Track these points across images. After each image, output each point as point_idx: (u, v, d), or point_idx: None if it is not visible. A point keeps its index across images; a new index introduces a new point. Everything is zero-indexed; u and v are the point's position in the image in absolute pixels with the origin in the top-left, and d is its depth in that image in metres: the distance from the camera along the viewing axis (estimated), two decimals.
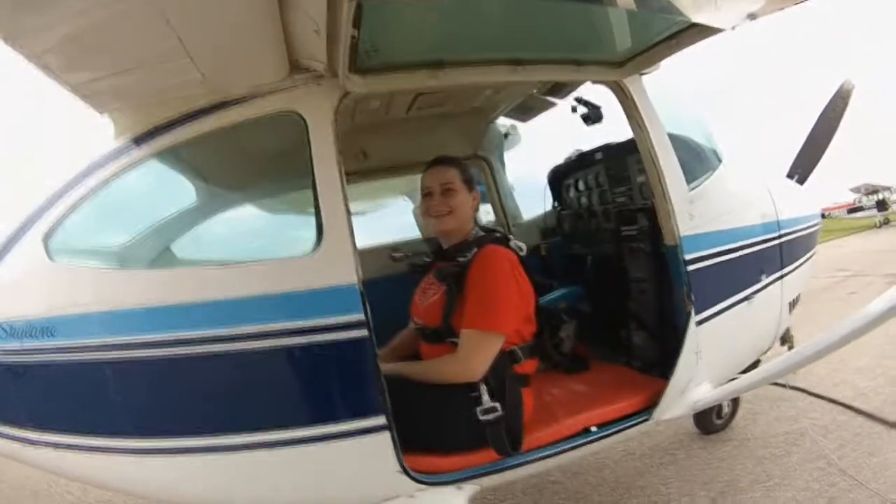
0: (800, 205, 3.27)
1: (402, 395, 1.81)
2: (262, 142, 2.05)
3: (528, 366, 1.96)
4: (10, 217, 2.05)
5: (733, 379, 2.54)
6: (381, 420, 1.74)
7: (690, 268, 2.22)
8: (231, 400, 1.80)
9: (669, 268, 2.29)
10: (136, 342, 1.81)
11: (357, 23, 1.42)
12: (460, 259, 1.91)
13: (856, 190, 24.83)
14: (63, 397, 1.94)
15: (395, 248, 3.23)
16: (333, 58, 1.62)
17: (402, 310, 2.23)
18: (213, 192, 2.25)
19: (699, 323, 2.26)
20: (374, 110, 2.74)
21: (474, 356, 1.82)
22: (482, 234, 2.05)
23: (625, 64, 2.18)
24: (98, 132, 2.01)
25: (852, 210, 24.78)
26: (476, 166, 3.57)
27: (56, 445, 1.95)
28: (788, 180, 3.53)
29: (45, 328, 1.89)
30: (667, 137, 2.24)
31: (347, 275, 1.71)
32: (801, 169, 3.72)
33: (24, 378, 1.95)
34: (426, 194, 2.06)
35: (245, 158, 2.21)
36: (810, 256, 3.34)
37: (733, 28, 1.71)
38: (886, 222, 22.31)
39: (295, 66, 1.78)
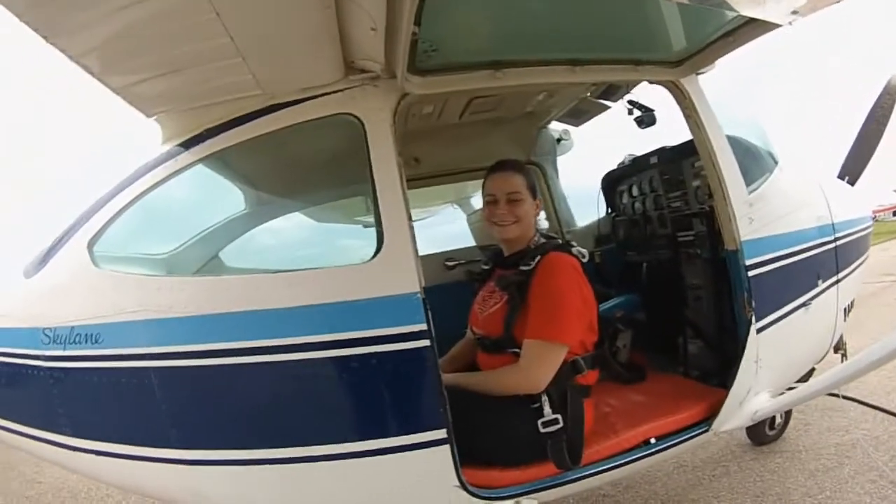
0: (852, 207, 3.15)
1: (461, 407, 1.75)
2: (317, 145, 2.01)
3: (590, 377, 1.88)
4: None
5: (790, 388, 2.45)
6: (441, 433, 1.68)
7: (751, 273, 2.13)
8: (284, 412, 1.75)
9: (730, 273, 2.20)
10: (184, 351, 1.79)
11: (418, 19, 1.37)
12: (523, 267, 1.85)
13: None
14: (107, 404, 1.92)
15: (448, 256, 3.18)
16: (392, 57, 1.58)
17: (456, 319, 2.17)
18: (264, 197, 2.22)
19: (759, 330, 2.17)
20: (426, 115, 2.70)
21: (538, 367, 1.76)
22: (543, 240, 1.99)
23: (681, 63, 2.11)
24: (146, 135, 2.00)
25: None
26: None
27: (97, 452, 1.94)
28: (840, 181, 3.40)
29: (90, 335, 1.87)
30: (725, 139, 2.16)
31: (409, 283, 1.66)
32: (852, 169, 3.59)
33: (66, 384, 1.93)
34: (490, 201, 1.98)
35: (299, 163, 2.17)
36: (864, 260, 3.22)
37: (790, 24, 1.62)
38: None
39: (350, 67, 1.73)
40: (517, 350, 1.81)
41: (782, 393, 2.47)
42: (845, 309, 2.92)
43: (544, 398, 1.76)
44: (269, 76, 1.70)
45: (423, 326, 1.65)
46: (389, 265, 1.67)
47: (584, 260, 1.91)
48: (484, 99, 2.61)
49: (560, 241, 1.97)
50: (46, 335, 1.92)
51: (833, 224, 2.74)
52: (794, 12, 1.58)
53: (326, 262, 1.83)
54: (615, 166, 3.42)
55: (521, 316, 1.81)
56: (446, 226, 3.72)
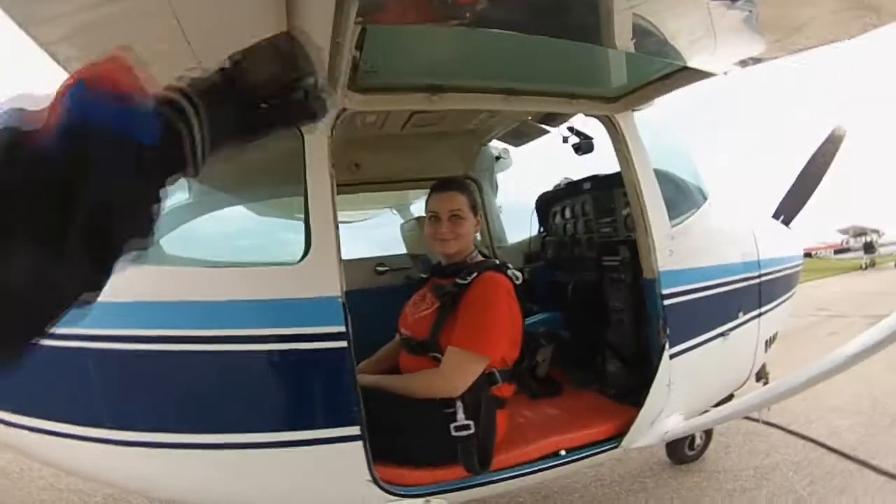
0: (783, 245, 3.34)
1: (379, 407, 1.85)
2: (258, 150, 2.09)
3: (505, 389, 2.01)
4: None
5: (705, 412, 2.60)
6: (355, 430, 1.79)
7: (667, 302, 2.28)
8: (206, 399, 1.83)
9: (646, 300, 2.35)
10: (119, 335, 1.84)
11: (360, 44, 1.49)
12: (459, 280, 1.96)
13: (844, 231, 25.15)
14: (43, 383, 1.96)
15: (380, 261, 3.28)
16: (333, 76, 1.68)
17: (383, 323, 2.27)
18: (206, 191, 2.30)
19: (672, 356, 2.32)
20: (369, 124, 2.80)
21: (458, 373, 1.88)
22: (480, 258, 2.11)
23: (618, 100, 2.26)
24: None
25: (839, 251, 25.07)
26: None
27: (32, 429, 1.96)
28: (773, 220, 3.61)
29: None
30: (653, 174, 2.31)
31: (331, 286, 1.76)
32: (788, 210, 3.80)
33: None
34: (433, 218, 2.09)
35: (242, 162, 2.24)
36: (790, 296, 3.41)
37: (725, 73, 1.78)
38: (872, 265, 22.59)
39: None
40: (438, 355, 1.92)
41: (696, 415, 2.63)
42: (767, 341, 3.09)
43: (458, 404, 1.88)
44: None
45: (342, 328, 1.75)
46: (315, 269, 1.78)
47: (518, 282, 2.03)
48: (426, 114, 2.73)
49: (497, 262, 2.09)
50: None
51: (759, 261, 2.91)
52: (740, 63, 1.75)
53: (259, 259, 1.92)
54: (551, 188, 3.56)
55: (448, 324, 1.93)
56: (382, 230, 3.81)
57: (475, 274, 1.96)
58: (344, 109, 1.84)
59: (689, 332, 2.41)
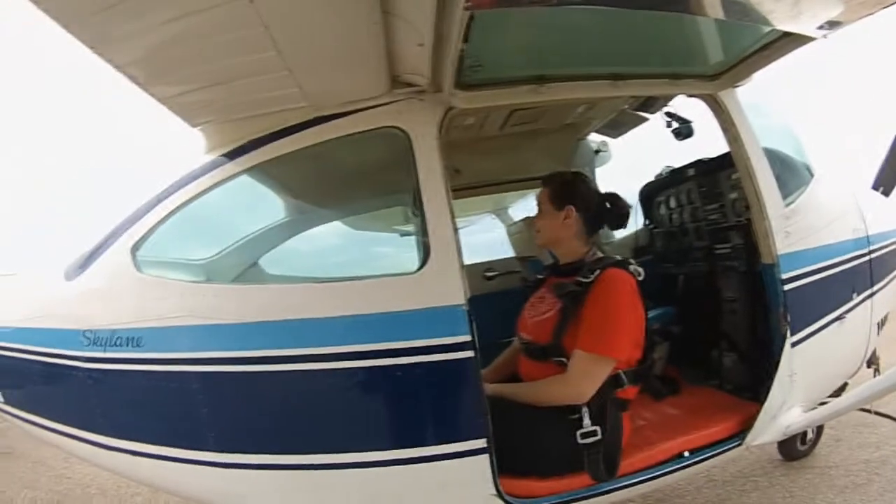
0: (887, 218, 3.11)
1: (502, 417, 1.77)
2: (362, 158, 2.06)
3: (630, 391, 1.89)
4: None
5: (823, 403, 2.43)
6: (481, 443, 1.71)
7: (787, 287, 2.13)
8: (325, 419, 1.79)
9: (766, 287, 2.19)
10: (224, 357, 1.82)
11: (467, 36, 1.40)
12: (581, 279, 1.86)
13: None
14: (146, 406, 1.96)
15: (488, 266, 3.21)
16: (438, 72, 1.61)
17: (496, 329, 2.19)
18: (309, 208, 2.27)
19: (794, 344, 2.16)
20: (468, 127, 2.73)
21: (586, 379, 1.78)
22: (601, 255, 2.00)
23: (719, 77, 2.12)
24: (189, 145, 2.04)
25: None
26: None
27: (134, 452, 1.97)
28: (874, 192, 3.35)
29: (131, 338, 1.90)
30: (762, 152, 2.16)
31: (454, 294, 1.69)
32: (886, 180, 3.53)
33: (105, 385, 1.97)
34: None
35: (343, 174, 2.21)
36: None
37: (825, 37, 1.62)
38: None
39: (396, 81, 1.77)
40: (562, 359, 1.82)
41: (815, 407, 2.45)
42: (878, 323, 2.88)
43: (584, 410, 1.78)
44: (314, 89, 1.74)
45: (468, 338, 1.68)
46: (435, 277, 1.71)
47: (640, 278, 1.91)
48: (525, 111, 2.64)
49: (619, 258, 1.98)
50: (87, 337, 1.96)
51: (868, 237, 2.71)
52: (827, 25, 1.59)
53: (371, 272, 1.86)
54: (653, 178, 3.41)
55: (572, 325, 1.83)
56: (483, 235, 3.71)
57: (597, 272, 1.85)
58: (451, 108, 1.77)
59: (809, 317, 2.25)
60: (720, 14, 1.58)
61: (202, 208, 2.00)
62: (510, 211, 4.03)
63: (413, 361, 1.68)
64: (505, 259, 3.31)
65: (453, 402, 1.73)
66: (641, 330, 1.88)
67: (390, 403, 1.76)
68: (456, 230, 1.74)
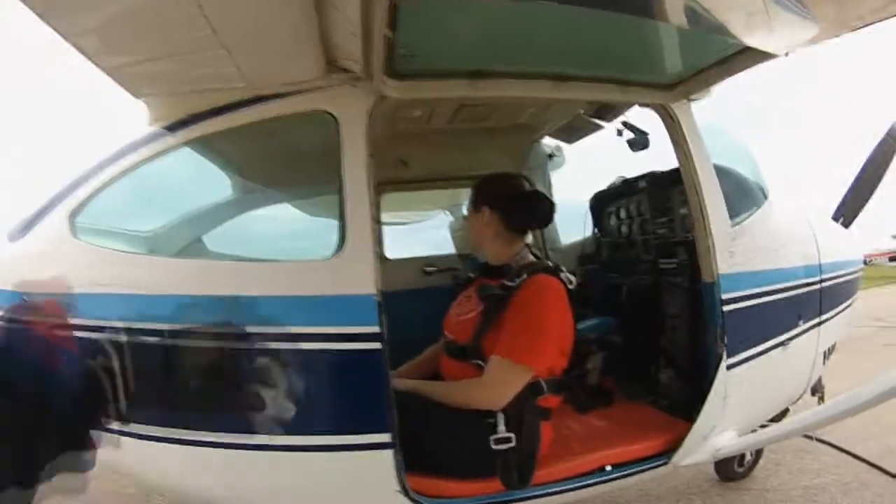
0: (843, 249, 3.11)
1: (416, 414, 1.74)
2: (294, 140, 2.02)
3: (551, 400, 1.86)
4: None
5: (761, 426, 2.42)
6: (385, 437, 1.67)
7: (726, 308, 2.10)
8: (233, 398, 1.74)
9: (704, 306, 2.18)
10: (151, 329, 1.78)
11: (392, 24, 1.37)
12: (507, 282, 1.82)
13: None
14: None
15: (428, 262, 3.17)
16: (369, 60, 1.58)
17: (429, 324, 2.15)
18: (242, 186, 2.23)
19: (730, 367, 2.14)
20: (415, 118, 2.68)
21: (500, 385, 1.75)
22: (531, 258, 1.96)
23: (674, 87, 2.09)
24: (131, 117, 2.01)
25: (894, 258, 23.82)
26: None
27: None
28: (833, 222, 3.36)
29: (64, 304, 1.88)
30: (713, 169, 2.14)
31: (365, 283, 1.65)
32: (847, 211, 3.54)
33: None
34: None
35: (279, 155, 2.18)
36: (850, 304, 3.17)
37: (787, 54, 1.61)
38: None
39: (333, 66, 1.74)
40: (480, 362, 1.79)
41: (753, 431, 2.45)
42: (825, 352, 2.88)
43: (499, 415, 1.74)
44: (252, 70, 1.72)
45: (376, 329, 1.64)
46: (348, 264, 1.66)
47: (571, 286, 1.86)
48: (473, 108, 2.59)
49: (549, 264, 1.93)
50: (24, 300, 1.94)
51: (820, 265, 2.71)
52: (792, 44, 1.57)
53: (292, 255, 1.83)
54: (605, 187, 3.38)
55: (493, 328, 1.79)
56: (435, 231, 3.66)
57: (524, 276, 1.81)
58: (382, 97, 1.73)
59: (748, 340, 2.22)
60: (682, 21, 1.56)
61: (142, 179, 1.97)
62: (463, 208, 3.98)
63: (319, 348, 1.64)
64: (447, 255, 3.28)
65: (358, 394, 1.69)
66: (568, 339, 1.84)
67: (296, 389, 1.70)
68: (375, 220, 1.71)
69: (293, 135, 1.95)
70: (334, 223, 1.70)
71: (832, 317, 2.84)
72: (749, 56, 1.83)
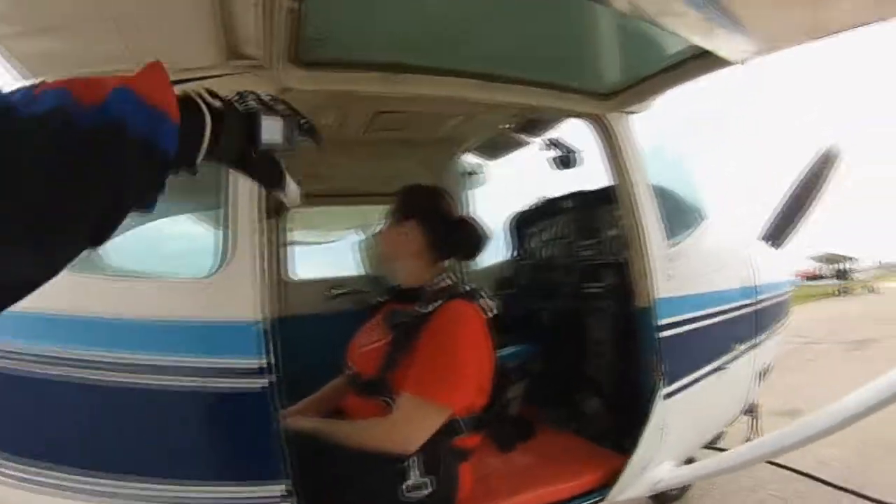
0: (777, 270, 3.11)
1: (318, 458, 1.48)
2: None
3: (470, 440, 1.64)
4: None
5: (707, 450, 2.33)
6: (278, 488, 1.39)
7: (663, 334, 1.97)
8: (92, 436, 1.42)
9: (638, 333, 2.04)
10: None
11: None
12: (419, 308, 1.59)
13: (817, 259, 25.67)
14: None
15: (335, 283, 2.91)
16: (272, 42, 1.34)
17: (335, 353, 1.87)
18: None
19: (667, 396, 2.00)
20: (326, 126, 2.41)
21: (413, 426, 1.50)
22: (448, 283, 1.71)
23: (612, 97, 1.96)
24: None
25: (812, 278, 25.57)
26: None
27: None
28: (764, 243, 3.38)
29: None
30: (649, 186, 2.02)
31: (249, 308, 1.36)
32: (776, 232, 3.57)
33: None
34: None
35: None
36: (783, 325, 3.18)
37: (742, 63, 1.49)
38: (845, 291, 23.09)
39: (234, 52, 1.47)
40: (389, 399, 1.55)
41: (690, 461, 2.34)
42: (760, 373, 2.85)
43: (412, 460, 1.50)
44: (141, 50, 1.43)
45: (262, 362, 1.35)
46: (228, 285, 1.38)
47: (492, 314, 1.64)
48: (390, 116, 2.36)
49: (468, 289, 1.69)
50: None
51: (756, 286, 2.67)
52: (750, 49, 1.45)
53: (164, 271, 1.53)
54: (526, 207, 3.24)
55: (403, 361, 1.54)
56: (345, 252, 3.34)
57: (439, 302, 1.58)
58: (285, 89, 1.46)
59: (685, 367, 2.10)
60: (626, 8, 1.41)
61: None
62: (374, 226, 3.73)
63: (191, 384, 1.34)
64: (356, 277, 3.01)
65: (239, 438, 1.40)
66: (487, 373, 1.63)
67: (170, 429, 1.40)
68: (263, 234, 1.43)
69: None
70: (216, 236, 1.41)
71: (767, 338, 2.82)
72: (699, 64, 1.72)
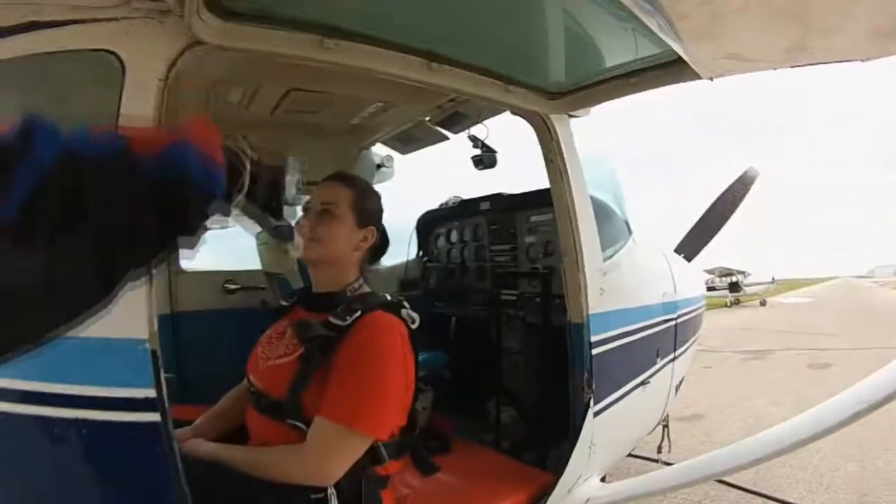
0: (693, 284, 3.22)
1: (221, 490, 1.25)
2: (65, 90, 1.32)
3: (392, 466, 1.46)
4: None
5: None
6: None
7: (594, 350, 1.90)
8: None
9: (570, 349, 1.94)
10: None
11: None
12: (335, 320, 1.36)
13: (710, 272, 27.95)
14: None
15: (230, 277, 2.62)
16: None
17: (231, 354, 1.63)
18: None
19: (597, 413, 1.94)
20: (233, 104, 2.15)
21: (333, 458, 1.29)
22: (366, 290, 1.53)
23: (559, 97, 1.86)
24: None
25: (710, 289, 27.75)
26: None
27: None
28: (678, 257, 3.50)
29: None
30: (588, 194, 1.95)
31: (134, 324, 1.08)
32: (690, 247, 3.73)
33: None
34: (305, 210, 1.54)
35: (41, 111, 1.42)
36: (697, 337, 3.30)
37: (711, 79, 1.43)
38: (737, 302, 25.32)
39: None
40: (300, 424, 1.33)
41: (606, 480, 2.31)
42: (677, 385, 2.92)
43: (331, 491, 1.30)
44: None
45: (151, 393, 1.08)
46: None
47: (414, 326, 1.46)
48: (305, 94, 2.13)
49: (388, 298, 1.51)
50: None
51: (676, 301, 2.72)
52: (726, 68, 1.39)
53: None
54: (437, 206, 3.14)
55: (316, 381, 1.33)
56: (240, 242, 3.01)
57: (358, 313, 1.39)
58: (196, 41, 1.20)
59: (614, 383, 2.07)
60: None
61: None
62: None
63: (63, 416, 1.05)
64: (252, 272, 2.72)
65: (132, 482, 1.13)
66: (410, 392, 1.46)
67: (38, 470, 1.10)
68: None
69: (68, 84, 1.27)
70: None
71: (684, 351, 2.89)
72: (658, 74, 1.65)
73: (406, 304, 1.47)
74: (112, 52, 1.16)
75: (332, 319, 1.35)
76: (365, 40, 1.43)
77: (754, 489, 3.21)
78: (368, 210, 1.53)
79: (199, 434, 1.52)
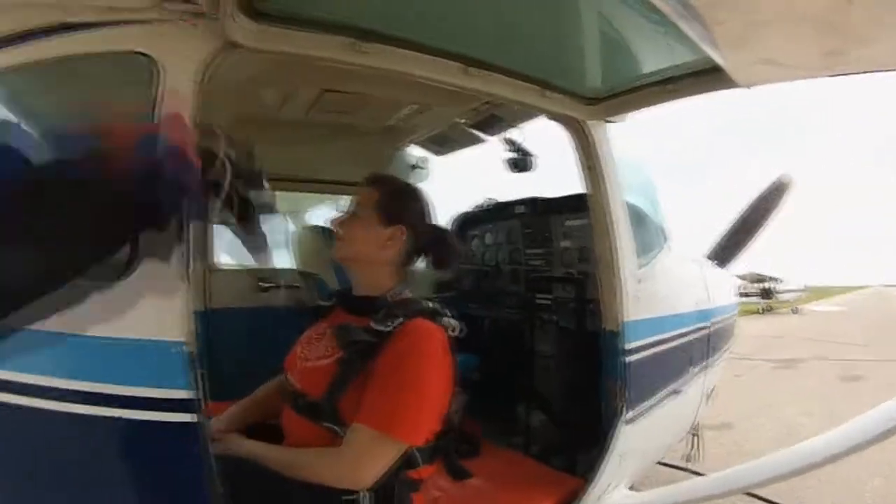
0: (726, 292, 3.16)
1: (253, 487, 1.28)
2: (99, 92, 1.36)
3: (425, 471, 1.47)
4: None
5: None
6: None
7: (629, 359, 1.88)
8: None
9: (603, 356, 1.94)
10: None
11: None
12: (377, 326, 1.37)
13: (742, 277, 27.16)
14: None
15: (263, 275, 2.64)
16: None
17: (264, 352, 1.66)
18: None
19: (629, 421, 1.92)
20: (268, 104, 2.18)
21: (366, 462, 1.30)
22: (407, 295, 1.52)
23: (596, 102, 1.84)
24: None
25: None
26: None
27: None
28: (711, 264, 3.43)
29: None
30: (624, 201, 1.93)
31: (169, 324, 1.10)
32: (723, 255, 3.65)
33: None
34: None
35: (72, 111, 1.46)
36: (730, 345, 3.24)
37: (749, 87, 1.41)
38: (769, 309, 24.51)
39: None
40: (336, 427, 1.35)
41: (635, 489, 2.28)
42: (708, 394, 2.87)
43: (363, 493, 1.32)
44: None
45: (186, 394, 1.10)
46: (141, 293, 1.10)
47: (454, 334, 1.45)
48: (340, 95, 2.14)
49: (430, 305, 1.50)
50: None
51: (710, 309, 2.68)
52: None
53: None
54: (472, 208, 3.11)
55: (355, 385, 1.35)
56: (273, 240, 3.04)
57: (400, 319, 1.38)
58: (230, 43, 1.21)
59: (647, 392, 2.04)
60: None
61: None
62: (306, 215, 3.40)
63: (97, 414, 1.07)
64: (287, 270, 2.75)
65: (165, 482, 1.15)
66: (447, 400, 1.46)
67: (73, 469, 1.12)
68: (190, 226, 1.17)
69: (99, 85, 1.31)
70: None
71: (716, 359, 2.84)
72: (699, 81, 1.62)
73: (447, 311, 1.46)
74: (146, 55, 1.18)
75: (373, 325, 1.36)
76: (399, 43, 1.42)
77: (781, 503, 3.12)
78: (396, 209, 1.52)
79: (231, 422, 1.58)
